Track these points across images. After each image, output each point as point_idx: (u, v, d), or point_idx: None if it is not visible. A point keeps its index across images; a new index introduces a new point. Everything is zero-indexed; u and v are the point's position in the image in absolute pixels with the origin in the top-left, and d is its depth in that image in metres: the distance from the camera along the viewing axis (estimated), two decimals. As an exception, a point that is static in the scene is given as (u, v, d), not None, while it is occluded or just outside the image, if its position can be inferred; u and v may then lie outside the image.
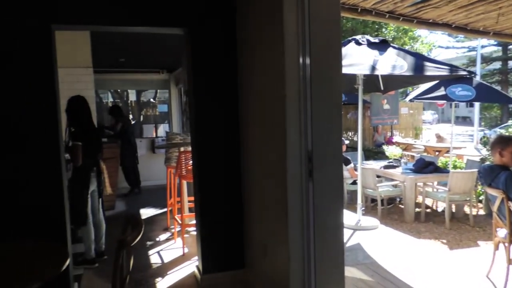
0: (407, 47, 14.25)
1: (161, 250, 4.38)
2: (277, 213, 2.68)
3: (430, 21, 4.91)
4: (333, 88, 2.50)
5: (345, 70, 4.29)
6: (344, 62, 4.41)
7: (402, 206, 6.03)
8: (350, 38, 5.38)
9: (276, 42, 2.52)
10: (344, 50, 4.91)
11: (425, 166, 5.83)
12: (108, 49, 6.83)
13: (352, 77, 5.32)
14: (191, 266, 3.81)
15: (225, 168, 3.40)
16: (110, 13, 3.07)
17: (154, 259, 4.11)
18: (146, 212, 6.10)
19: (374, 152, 9.93)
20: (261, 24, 2.83)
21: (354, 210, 5.60)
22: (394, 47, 5.26)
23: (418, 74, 5.10)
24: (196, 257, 3.69)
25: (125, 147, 7.13)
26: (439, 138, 10.65)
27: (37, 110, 2.93)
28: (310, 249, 2.49)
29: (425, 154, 8.94)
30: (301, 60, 2.43)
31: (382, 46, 5.13)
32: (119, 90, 11.28)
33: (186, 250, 4.25)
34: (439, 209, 6.22)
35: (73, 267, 3.44)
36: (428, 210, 6.15)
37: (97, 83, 6.91)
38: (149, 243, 4.62)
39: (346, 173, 6.16)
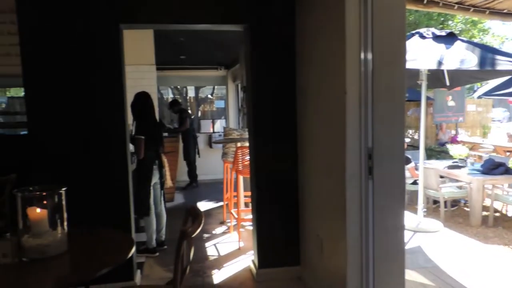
0: (475, 40, 13.37)
1: (218, 243, 4.49)
2: (334, 211, 2.64)
3: (505, 11, 4.56)
4: (396, 84, 2.41)
5: (408, 65, 4.10)
6: (407, 57, 4.22)
7: (467, 209, 5.68)
8: (413, 32, 5.14)
9: (337, 37, 2.47)
10: (407, 44, 4.70)
11: (494, 167, 5.44)
12: (170, 47, 7.09)
13: (414, 73, 5.09)
14: (247, 260, 3.87)
15: (282, 164, 3.40)
16: (175, 12, 3.18)
17: (211, 251, 4.22)
18: (203, 205, 6.27)
19: (436, 151, 9.44)
20: (321, 18, 2.78)
21: (413, 211, 5.37)
22: (462, 40, 4.95)
23: (488, 68, 4.77)
24: (252, 252, 3.73)
25: (190, 142, 7.44)
26: (511, 138, 9.91)
27: (108, 105, 3.12)
28: (368, 250, 2.42)
29: (494, 154, 8.35)
30: (362, 55, 2.37)
31: (449, 39, 4.85)
32: (178, 87, 11.68)
33: (241, 244, 4.32)
34: (510, 214, 5.78)
35: (136, 255, 3.63)
36: (497, 214, 5.74)
37: (159, 79, 7.19)
38: (206, 235, 4.75)
39: (406, 173, 5.91)
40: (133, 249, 2.07)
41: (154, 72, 6.30)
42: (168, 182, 4.53)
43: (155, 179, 4.14)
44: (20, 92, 11.87)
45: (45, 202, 1.97)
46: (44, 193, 1.98)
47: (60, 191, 1.99)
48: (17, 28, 3.01)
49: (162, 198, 4.31)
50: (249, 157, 4.41)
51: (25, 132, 6.76)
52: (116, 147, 3.17)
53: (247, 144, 4.79)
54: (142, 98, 4.04)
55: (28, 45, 3.04)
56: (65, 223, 2.01)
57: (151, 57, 6.21)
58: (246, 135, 5.54)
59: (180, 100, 10.40)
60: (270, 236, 3.41)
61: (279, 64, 3.34)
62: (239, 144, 4.90)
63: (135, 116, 4.02)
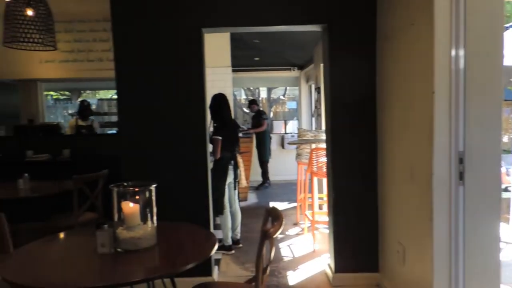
0: None
1: (291, 244, 4.48)
2: (418, 218, 2.50)
3: None
4: (492, 82, 2.22)
5: (507, 61, 3.76)
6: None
7: None
8: (507, 25, 4.71)
9: (425, 33, 2.33)
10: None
11: None
12: (245, 49, 7.24)
13: (506, 70, 4.65)
14: (322, 263, 3.81)
15: (360, 167, 3.30)
16: (254, 14, 3.23)
17: (285, 252, 4.23)
18: (275, 206, 6.29)
19: (530, 156, 8.57)
20: (406, 14, 2.65)
21: (505, 220, 4.91)
22: None
23: None
24: (327, 255, 3.67)
25: (266, 142, 7.61)
26: None
27: (190, 105, 3.25)
28: (458, 262, 2.26)
29: None
30: (453, 52, 2.22)
31: (550, 32, 4.37)
32: (251, 88, 11.89)
33: (316, 246, 4.27)
34: None
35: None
36: None
37: (233, 81, 7.38)
38: (279, 236, 4.76)
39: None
40: (216, 246, 2.14)
41: (230, 74, 6.47)
42: (243, 182, 4.62)
43: (230, 178, 4.24)
44: (107, 94, 12.89)
45: (137, 197, 2.10)
46: (137, 189, 2.12)
47: (151, 187, 2.11)
48: (112, 35, 3.23)
49: (236, 197, 4.41)
50: (324, 158, 4.36)
51: (113, 131, 7.31)
52: (196, 147, 3.30)
53: (322, 145, 4.74)
54: (220, 100, 4.16)
55: (120, 51, 3.25)
56: (155, 218, 2.13)
57: (227, 59, 6.38)
58: (321, 136, 5.47)
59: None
60: (348, 240, 3.33)
61: (358, 63, 3.25)
62: (313, 146, 4.85)
63: (213, 117, 4.15)
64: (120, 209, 2.08)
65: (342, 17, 3.22)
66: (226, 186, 4.20)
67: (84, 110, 6.31)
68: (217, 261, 3.88)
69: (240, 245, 4.35)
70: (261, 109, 8.05)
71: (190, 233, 2.39)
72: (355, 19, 3.22)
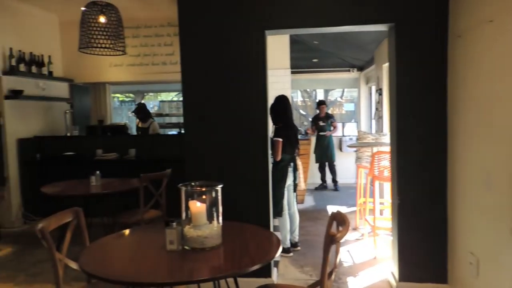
0: None
1: (351, 249, 4.37)
2: (496, 227, 2.33)
3: None
4: None
5: None
6: None
7: None
8: None
9: (507, 29, 2.17)
10: None
11: None
12: (304, 51, 7.19)
13: None
14: (384, 271, 3.68)
15: (428, 172, 3.14)
16: (317, 16, 3.20)
17: (345, 257, 4.13)
18: (333, 210, 6.18)
19: None
20: (483, 9, 2.49)
21: None
22: None
23: None
24: (389, 262, 3.54)
25: (333, 145, 7.63)
26: None
27: (252, 107, 3.28)
28: (543, 276, 2.08)
29: None
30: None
31: None
32: (308, 89, 11.79)
33: (377, 253, 4.13)
34: None
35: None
36: None
37: (291, 83, 7.37)
38: (338, 240, 4.66)
39: None
40: (281, 248, 2.14)
41: (289, 76, 6.46)
42: (302, 185, 4.59)
43: (290, 180, 4.22)
44: (168, 96, 13.38)
45: (204, 197, 2.15)
46: (204, 189, 2.17)
47: (217, 187, 2.16)
48: (179, 39, 3.34)
49: (294, 200, 4.38)
50: (386, 162, 4.21)
51: (173, 132, 7.55)
52: (257, 148, 3.32)
53: (383, 148, 4.58)
54: (283, 101, 4.17)
55: (186, 54, 3.35)
56: (220, 217, 2.17)
57: (286, 61, 6.38)
58: (382, 139, 5.28)
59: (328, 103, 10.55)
60: (413, 248, 3.18)
61: (427, 64, 3.10)
62: (375, 149, 4.70)
63: (275, 118, 4.16)
64: (187, 208, 2.14)
65: (410, 16, 3.09)
66: (285, 188, 4.18)
67: (139, 112, 6.55)
68: (276, 263, 3.88)
69: (298, 248, 4.32)
70: (329, 113, 8.02)
71: (254, 234, 2.41)
72: (425, 18, 3.08)
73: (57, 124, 6.31)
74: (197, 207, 2.12)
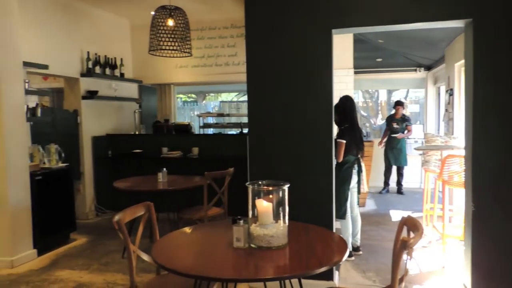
0: None
1: (417, 257, 4.17)
2: None
3: None
4: None
5: None
6: None
7: None
8: None
9: None
10: None
11: None
12: (367, 50, 6.99)
13: None
14: (454, 281, 3.47)
15: (508, 177, 2.91)
16: (387, 13, 3.09)
17: (410, 265, 3.94)
18: (396, 214, 5.95)
19: None
20: None
21: None
22: None
23: None
24: (460, 273, 3.33)
25: (404, 147, 7.38)
26: None
27: (316, 107, 3.25)
28: None
29: None
30: None
31: None
32: (370, 90, 11.45)
33: (446, 262, 3.91)
34: None
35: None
36: None
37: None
38: (403, 246, 4.47)
39: None
40: (348, 251, 2.09)
41: (352, 76, 6.31)
42: (365, 187, 4.46)
43: (353, 183, 4.12)
44: (228, 96, 13.65)
45: (271, 196, 2.16)
46: (271, 188, 2.18)
47: (284, 187, 2.15)
48: (245, 40, 3.39)
49: (356, 203, 4.27)
50: (458, 167, 3.97)
51: (233, 132, 7.68)
52: (321, 149, 3.27)
53: (454, 152, 4.32)
54: (348, 102, 4.08)
55: (252, 54, 3.39)
56: (287, 217, 2.17)
57: (349, 61, 6.24)
58: (452, 142, 5.00)
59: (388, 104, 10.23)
60: (489, 261, 2.97)
61: (509, 61, 2.87)
62: (445, 153, 4.45)
63: (340, 119, 4.07)
64: (254, 206, 2.16)
65: (489, 11, 2.89)
66: (349, 190, 4.09)
67: None
68: (338, 266, 3.80)
69: (360, 252, 4.20)
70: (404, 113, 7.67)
71: (319, 235, 2.38)
72: (506, 11, 2.86)
73: (127, 122, 6.68)
74: (264, 206, 2.13)
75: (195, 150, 5.81)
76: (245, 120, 7.87)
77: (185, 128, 6.33)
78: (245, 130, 6.24)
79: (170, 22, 4.92)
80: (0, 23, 3.84)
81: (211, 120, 9.96)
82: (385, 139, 7.51)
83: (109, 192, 5.89)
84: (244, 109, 12.55)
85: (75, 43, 5.64)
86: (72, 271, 3.85)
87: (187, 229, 2.61)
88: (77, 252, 4.40)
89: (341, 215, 4.05)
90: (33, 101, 5.40)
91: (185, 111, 12.44)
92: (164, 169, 4.44)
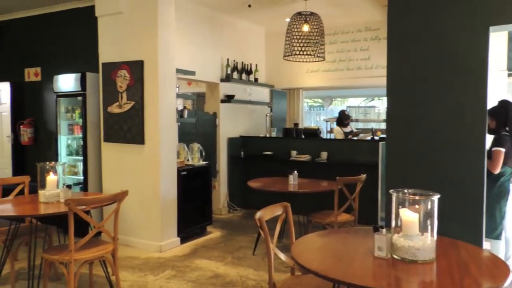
0: None
1: None
2: None
3: None
4: None
5: None
6: None
7: None
8: None
9: None
10: None
11: None
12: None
13: None
14: None
15: None
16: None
17: None
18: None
19: None
20: None
21: None
22: None
23: None
24: None
25: None
26: None
27: (466, 113, 2.95)
28: None
29: None
30: None
31: None
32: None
33: None
34: None
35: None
36: None
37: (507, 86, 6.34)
38: None
39: None
40: (511, 277, 1.83)
41: (506, 78, 5.58)
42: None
43: (510, 198, 3.62)
44: (355, 101, 13.30)
45: (417, 206, 2.02)
46: (418, 197, 2.04)
47: (434, 198, 1.99)
48: (387, 42, 3.25)
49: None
50: None
51: (369, 138, 7.42)
52: (471, 158, 2.95)
53: None
54: (507, 106, 3.61)
55: (393, 57, 3.24)
56: (435, 230, 2.00)
57: (502, 62, 5.53)
58: None
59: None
60: None
61: None
62: None
63: (497, 125, 3.60)
64: (398, 216, 2.05)
65: None
66: (506, 207, 3.60)
67: (342, 118, 6.62)
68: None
69: None
70: None
71: (471, 253, 2.14)
72: None
73: (258, 125, 7.00)
74: (410, 216, 2.00)
75: (324, 155, 5.79)
76: (374, 125, 7.60)
77: (315, 133, 6.36)
78: (377, 137, 6.00)
79: (305, 28, 5.01)
80: (161, 36, 4.38)
81: (337, 125, 9.82)
82: None
83: (240, 190, 6.27)
84: (373, 115, 12.10)
85: (217, 51, 6.13)
86: (209, 261, 4.17)
87: (322, 233, 2.60)
88: (213, 244, 4.75)
89: (496, 235, 3.57)
90: (179, 104, 6.04)
91: (311, 116, 12.52)
92: (295, 171, 4.52)
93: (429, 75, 3.08)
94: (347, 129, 6.56)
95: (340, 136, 6.45)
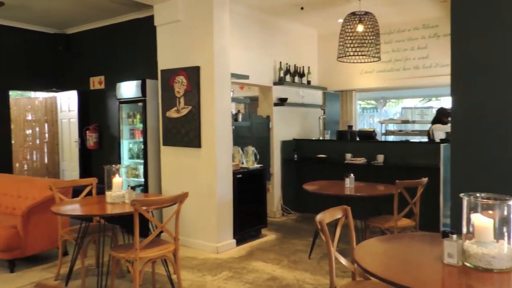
0: None
1: None
2: None
3: None
4: None
5: None
6: None
7: None
8: None
9: None
10: None
11: None
12: None
13: None
14: None
15: None
16: None
17: None
18: None
19: None
20: None
21: None
22: None
23: None
24: None
25: None
26: None
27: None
28: None
29: None
30: None
31: None
32: None
33: None
34: None
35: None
36: None
37: None
38: None
39: None
40: None
41: None
42: None
43: None
44: (411, 102, 12.82)
45: (491, 211, 1.91)
46: (491, 201, 1.92)
47: (510, 202, 1.87)
48: (450, 38, 3.11)
49: None
50: None
51: (416, 140, 7.14)
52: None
53: None
54: None
55: (459, 54, 3.09)
56: (512, 238, 1.88)
57: None
58: None
59: None
60: None
61: None
62: None
63: None
64: (469, 221, 1.95)
65: None
66: None
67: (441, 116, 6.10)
68: None
69: None
70: None
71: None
72: None
73: (312, 128, 6.94)
74: (483, 221, 1.89)
75: (380, 158, 5.62)
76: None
77: (370, 135, 6.19)
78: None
79: (360, 28, 4.91)
80: (216, 41, 4.49)
81: (391, 127, 9.52)
82: None
83: (293, 193, 6.25)
84: (430, 116, 11.58)
85: (270, 54, 6.17)
86: (265, 263, 4.18)
87: (384, 238, 2.53)
88: (268, 247, 4.76)
89: None
90: (232, 108, 6.13)
91: (364, 118, 12.23)
92: (352, 175, 4.43)
93: (500, 71, 2.90)
94: (448, 129, 5.99)
95: (442, 135, 5.73)
